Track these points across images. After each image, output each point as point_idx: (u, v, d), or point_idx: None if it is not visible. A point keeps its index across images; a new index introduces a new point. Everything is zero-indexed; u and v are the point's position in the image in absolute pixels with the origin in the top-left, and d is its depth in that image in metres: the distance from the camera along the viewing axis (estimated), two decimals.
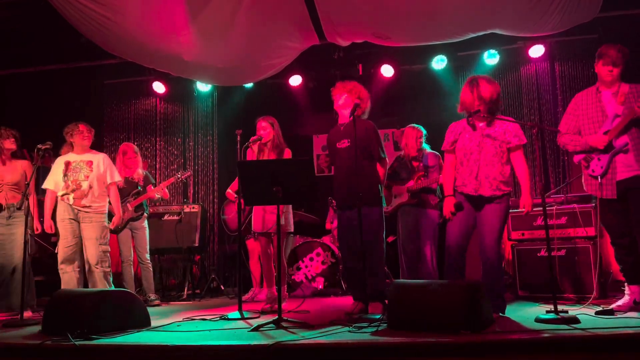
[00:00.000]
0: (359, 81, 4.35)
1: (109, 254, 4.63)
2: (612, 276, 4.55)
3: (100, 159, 4.74)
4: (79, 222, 4.59)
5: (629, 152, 3.58)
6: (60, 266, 4.56)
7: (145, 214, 5.60)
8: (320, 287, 5.86)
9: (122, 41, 5.43)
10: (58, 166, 4.70)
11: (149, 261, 5.56)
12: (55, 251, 4.63)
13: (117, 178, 4.80)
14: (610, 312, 3.50)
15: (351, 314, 3.85)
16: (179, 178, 5.94)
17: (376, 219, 4.07)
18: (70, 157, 4.72)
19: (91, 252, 4.51)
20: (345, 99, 4.22)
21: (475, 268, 4.11)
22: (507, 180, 3.64)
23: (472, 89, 3.70)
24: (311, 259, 5.95)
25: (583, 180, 3.83)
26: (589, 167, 3.72)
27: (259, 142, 4.62)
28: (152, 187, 5.69)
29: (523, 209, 3.67)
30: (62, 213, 4.61)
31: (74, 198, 4.56)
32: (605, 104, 3.70)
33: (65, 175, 4.63)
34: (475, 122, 3.73)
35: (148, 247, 5.58)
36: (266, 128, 4.69)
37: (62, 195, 4.60)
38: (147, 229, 5.60)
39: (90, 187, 4.60)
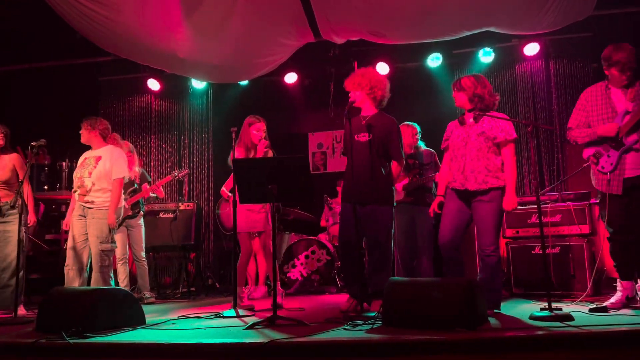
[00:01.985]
0: None
1: (110, 253, 4.56)
2: (606, 273, 4.57)
3: (108, 154, 4.62)
4: (86, 219, 4.55)
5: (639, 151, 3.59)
6: (67, 263, 4.48)
7: (141, 212, 5.59)
8: (315, 284, 5.86)
9: (117, 38, 5.41)
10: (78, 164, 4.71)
11: (145, 259, 5.54)
12: (64, 247, 4.58)
13: (123, 174, 4.63)
14: (604, 310, 3.52)
15: (346, 312, 3.84)
16: (176, 176, 5.91)
17: (387, 219, 4.01)
18: (87, 153, 4.71)
19: (92, 250, 4.46)
20: (359, 96, 4.08)
21: (473, 265, 4.14)
22: (495, 174, 3.63)
23: (455, 87, 3.81)
24: (307, 257, 5.95)
25: (592, 176, 3.82)
26: (598, 164, 3.72)
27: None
28: (147, 186, 5.67)
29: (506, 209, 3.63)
30: (75, 210, 4.57)
31: (79, 195, 4.53)
32: (615, 101, 3.70)
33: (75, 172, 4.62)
34: (465, 118, 3.80)
35: (144, 245, 5.56)
36: (264, 129, 4.65)
37: (73, 192, 4.58)
38: (143, 227, 5.58)
39: (93, 183, 4.53)
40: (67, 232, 4.62)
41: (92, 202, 4.49)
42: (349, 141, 4.05)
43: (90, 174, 4.53)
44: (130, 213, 5.45)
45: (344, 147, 4.25)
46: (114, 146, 4.80)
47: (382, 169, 4.02)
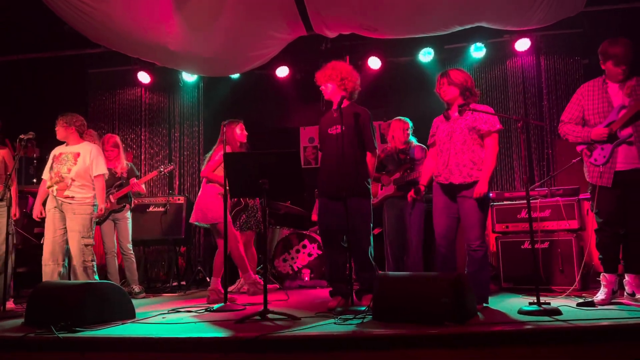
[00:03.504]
0: None
1: (92, 248, 4.55)
2: (594, 268, 4.61)
3: (87, 151, 4.64)
4: (64, 213, 4.53)
5: (633, 145, 3.61)
6: (44, 257, 4.47)
7: (128, 205, 5.55)
8: (306, 278, 5.87)
9: (106, 30, 5.36)
10: (51, 157, 4.68)
11: (131, 251, 5.49)
12: (41, 242, 4.56)
13: (103, 170, 4.68)
14: (591, 304, 3.55)
15: (334, 309, 3.79)
16: (161, 172, 5.86)
17: (366, 212, 3.99)
18: (62, 149, 4.69)
19: (73, 245, 4.45)
20: (332, 89, 4.07)
21: (464, 260, 4.14)
22: (480, 166, 3.62)
23: (445, 80, 3.76)
24: (297, 251, 5.95)
25: (584, 169, 3.84)
26: (592, 156, 3.75)
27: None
28: (134, 180, 5.62)
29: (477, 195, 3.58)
30: (49, 203, 4.56)
31: (57, 190, 4.51)
32: (611, 96, 3.72)
33: (51, 167, 4.60)
34: (450, 113, 3.80)
35: (130, 237, 5.52)
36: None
37: (48, 187, 4.56)
38: (130, 220, 5.55)
39: (73, 179, 4.53)
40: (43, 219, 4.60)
41: (72, 197, 4.50)
42: (325, 133, 4.09)
43: (69, 170, 4.53)
44: (116, 207, 5.43)
45: (321, 142, 4.25)
46: (90, 143, 4.80)
47: (359, 161, 4.01)
